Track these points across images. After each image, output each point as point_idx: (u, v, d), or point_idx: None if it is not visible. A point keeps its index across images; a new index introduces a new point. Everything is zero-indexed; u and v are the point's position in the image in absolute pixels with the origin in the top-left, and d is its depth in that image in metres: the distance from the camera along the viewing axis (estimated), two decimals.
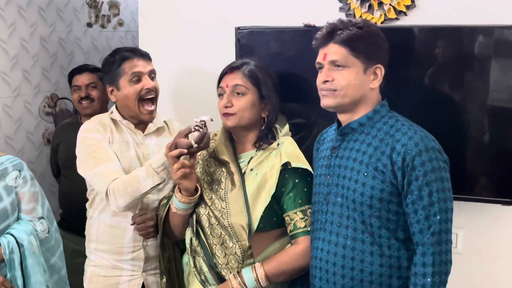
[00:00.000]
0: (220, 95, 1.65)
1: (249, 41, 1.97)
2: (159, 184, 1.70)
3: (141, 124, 1.89)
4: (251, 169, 1.60)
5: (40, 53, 2.93)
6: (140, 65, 1.82)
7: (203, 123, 1.58)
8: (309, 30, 1.83)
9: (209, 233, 1.63)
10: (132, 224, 1.77)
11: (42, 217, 1.90)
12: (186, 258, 1.69)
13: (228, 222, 1.58)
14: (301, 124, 1.89)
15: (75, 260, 2.16)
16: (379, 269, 1.39)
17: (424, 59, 1.77)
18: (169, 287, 1.77)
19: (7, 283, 1.81)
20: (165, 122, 1.94)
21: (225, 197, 1.61)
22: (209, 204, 1.63)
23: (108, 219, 1.83)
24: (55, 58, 3.05)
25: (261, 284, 1.54)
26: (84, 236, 1.96)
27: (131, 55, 1.83)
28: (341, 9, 1.93)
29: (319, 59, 1.46)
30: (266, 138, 1.64)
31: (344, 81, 1.41)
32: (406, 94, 1.71)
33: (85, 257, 1.95)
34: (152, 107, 1.85)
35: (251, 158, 1.63)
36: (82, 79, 2.51)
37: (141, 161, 1.83)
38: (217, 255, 1.60)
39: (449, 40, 1.73)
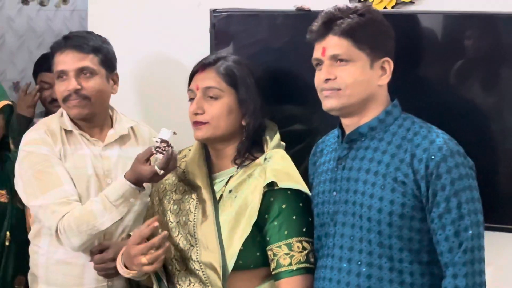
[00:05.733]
0: (191, 99, 1.62)
1: (227, 27, 1.91)
2: (121, 219, 1.69)
3: (96, 129, 1.81)
4: (230, 191, 1.56)
5: None
6: (66, 61, 1.74)
7: (166, 144, 1.55)
8: (302, 15, 1.78)
9: (175, 281, 1.58)
10: (90, 261, 1.74)
11: None
12: None
13: (199, 263, 1.53)
14: (298, 132, 1.83)
15: None
16: None
17: (447, 53, 1.69)
18: None
19: None
20: (131, 128, 1.88)
21: (194, 232, 1.55)
22: (176, 242, 1.59)
23: (61, 254, 1.76)
24: None
25: None
26: None
27: (60, 46, 1.76)
28: None
29: (317, 54, 1.47)
30: (248, 152, 1.59)
31: (349, 78, 1.41)
32: (422, 96, 1.66)
33: None
34: (78, 111, 1.77)
35: (231, 177, 1.59)
36: None
37: (101, 180, 1.78)
38: None
39: (481, 30, 1.66)
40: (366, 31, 1.43)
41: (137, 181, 1.61)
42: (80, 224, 1.63)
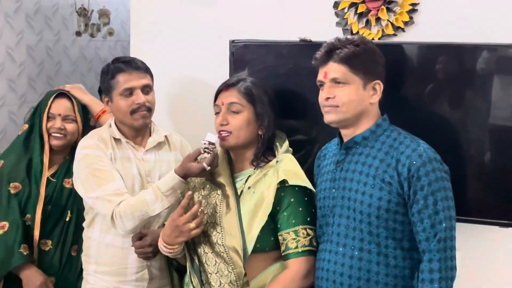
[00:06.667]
0: (217, 113, 1.68)
1: (243, 55, 1.98)
2: (167, 208, 1.71)
3: (139, 137, 1.87)
4: (249, 188, 1.62)
5: (26, 62, 2.93)
6: (132, 80, 1.80)
7: (213, 146, 1.62)
8: (305, 45, 1.87)
9: (204, 261, 1.63)
10: (132, 246, 1.77)
11: None
12: (187, 279, 1.70)
13: (223, 246, 1.59)
14: (301, 141, 1.89)
15: None
16: (385, 279, 1.46)
17: (422, 77, 1.79)
18: None
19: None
20: (165, 136, 1.92)
21: (220, 221, 1.62)
22: (204, 229, 1.64)
23: (110, 239, 1.82)
24: (42, 67, 3.05)
25: None
26: None
27: (124, 68, 1.82)
28: (338, 24, 1.94)
29: (320, 77, 1.54)
30: (263, 156, 1.66)
31: (345, 97, 1.49)
32: (404, 112, 1.73)
33: None
34: (143, 121, 1.83)
35: (249, 176, 1.65)
36: None
37: (143, 178, 1.83)
38: (212, 284, 1.60)
39: (450, 58, 1.76)
40: (360, 59, 1.49)
41: (185, 176, 1.65)
42: (134, 210, 1.66)
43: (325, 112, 1.53)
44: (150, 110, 1.82)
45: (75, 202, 1.97)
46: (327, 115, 1.53)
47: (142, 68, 1.83)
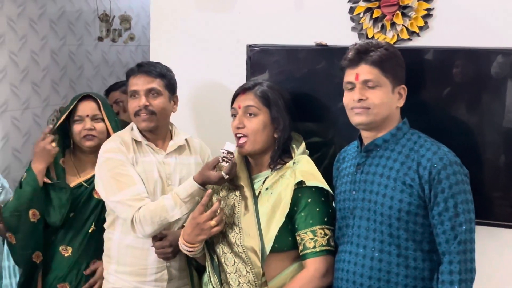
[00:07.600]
0: (233, 115, 1.68)
1: (260, 59, 2.00)
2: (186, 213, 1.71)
3: (159, 140, 1.87)
4: (266, 189, 1.62)
5: (50, 66, 2.96)
6: (138, 83, 1.80)
7: (231, 155, 1.62)
8: (321, 49, 1.88)
9: (223, 261, 1.63)
10: (152, 246, 1.77)
11: None
12: (206, 279, 1.70)
13: (242, 247, 1.59)
14: (317, 143, 1.90)
15: None
16: (404, 280, 1.45)
17: (437, 81, 1.79)
18: None
19: None
20: (186, 140, 1.92)
21: (238, 222, 1.62)
22: (223, 230, 1.63)
23: (130, 240, 1.81)
24: (65, 71, 3.07)
25: None
26: None
27: (134, 72, 1.83)
28: (353, 28, 1.93)
29: (351, 78, 1.52)
30: (279, 158, 1.65)
31: (377, 100, 1.48)
32: (419, 116, 1.71)
33: None
34: (145, 125, 1.81)
35: (267, 177, 1.65)
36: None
37: (164, 181, 1.82)
38: (231, 284, 1.60)
39: (464, 62, 1.75)
40: (391, 63, 1.49)
41: (204, 183, 1.66)
42: (154, 215, 1.66)
43: (355, 114, 1.51)
44: (153, 113, 1.79)
45: (101, 215, 1.94)
46: (356, 117, 1.51)
47: (153, 72, 1.81)
